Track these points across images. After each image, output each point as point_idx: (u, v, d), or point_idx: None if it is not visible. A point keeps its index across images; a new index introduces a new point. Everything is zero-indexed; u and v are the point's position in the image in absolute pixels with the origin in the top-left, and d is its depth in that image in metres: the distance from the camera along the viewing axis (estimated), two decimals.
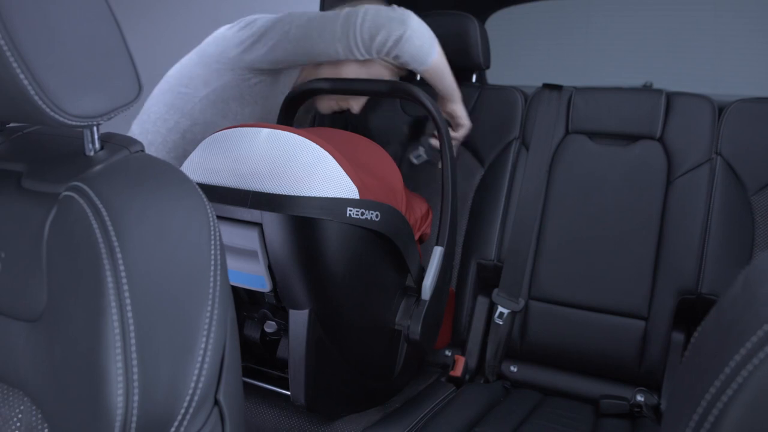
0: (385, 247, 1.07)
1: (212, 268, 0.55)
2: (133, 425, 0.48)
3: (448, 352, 1.49)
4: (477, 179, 1.56)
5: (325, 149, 0.98)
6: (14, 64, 0.50)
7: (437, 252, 1.17)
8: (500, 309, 1.44)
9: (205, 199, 0.59)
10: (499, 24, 2.27)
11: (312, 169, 0.96)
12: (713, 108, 1.40)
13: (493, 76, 2.41)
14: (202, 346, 0.52)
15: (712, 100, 1.41)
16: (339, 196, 0.96)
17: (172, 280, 0.52)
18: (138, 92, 0.61)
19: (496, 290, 1.46)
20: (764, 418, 0.39)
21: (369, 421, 1.14)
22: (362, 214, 0.98)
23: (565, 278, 1.42)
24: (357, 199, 0.98)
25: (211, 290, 0.54)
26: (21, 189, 0.62)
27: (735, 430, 0.39)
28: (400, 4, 1.93)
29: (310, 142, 0.98)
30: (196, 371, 0.52)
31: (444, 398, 1.28)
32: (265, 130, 1.01)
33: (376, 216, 1.01)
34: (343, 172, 0.98)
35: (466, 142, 1.58)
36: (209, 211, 0.58)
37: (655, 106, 1.43)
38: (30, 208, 0.60)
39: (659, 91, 1.45)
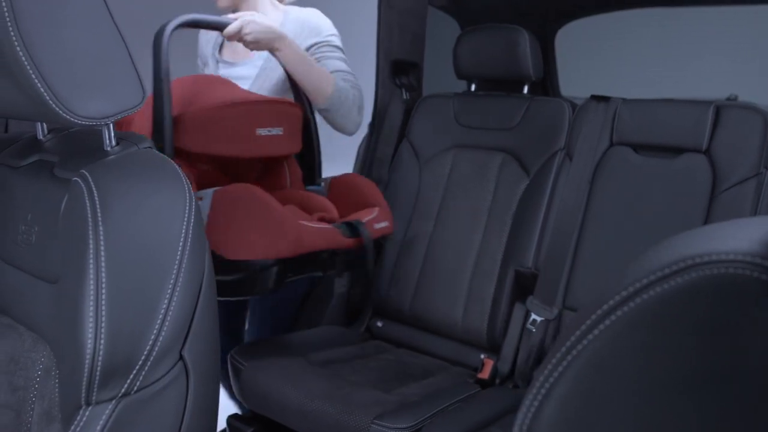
0: None
1: (181, 244, 0.66)
2: (100, 364, 0.60)
3: (481, 355, 1.52)
4: (521, 188, 1.59)
5: None
6: (33, 76, 0.63)
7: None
8: (533, 316, 1.46)
9: (187, 190, 0.70)
10: (573, 35, 2.26)
11: None
12: (765, 120, 1.35)
13: (568, 87, 2.40)
14: (164, 306, 0.63)
15: (764, 113, 1.36)
16: None
17: (142, 250, 0.63)
18: (142, 97, 0.73)
19: (530, 297, 1.48)
20: (581, 399, 0.42)
21: (384, 409, 1.21)
22: None
23: (600, 290, 1.42)
24: None
25: (177, 263, 0.65)
26: (53, 176, 0.76)
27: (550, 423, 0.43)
28: (465, 17, 2.00)
29: None
30: (157, 327, 0.62)
31: (465, 397, 1.33)
32: None
33: None
34: None
35: (513, 152, 1.62)
36: (188, 198, 0.69)
37: (702, 118, 1.39)
38: (56, 191, 0.74)
39: (707, 103, 1.41)
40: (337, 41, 1.54)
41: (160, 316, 0.63)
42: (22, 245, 0.77)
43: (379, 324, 1.71)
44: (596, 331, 0.43)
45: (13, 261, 0.78)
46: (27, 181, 0.79)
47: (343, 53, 1.54)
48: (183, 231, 0.66)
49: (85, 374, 0.60)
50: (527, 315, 1.49)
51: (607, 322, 0.43)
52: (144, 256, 0.63)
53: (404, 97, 1.82)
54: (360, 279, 1.77)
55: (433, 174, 1.72)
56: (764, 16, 2.22)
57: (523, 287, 1.53)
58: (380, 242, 1.77)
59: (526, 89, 1.69)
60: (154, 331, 0.62)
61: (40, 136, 0.84)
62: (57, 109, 0.65)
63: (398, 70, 1.83)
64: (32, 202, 0.77)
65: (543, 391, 0.45)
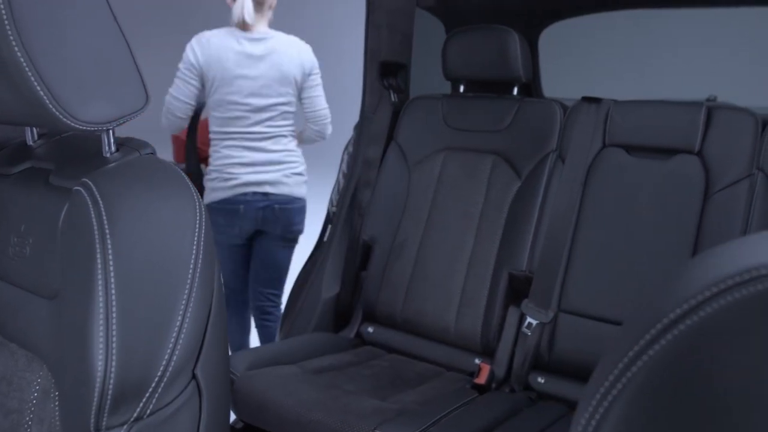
0: None
1: (193, 257, 0.62)
2: (111, 388, 0.56)
3: (476, 360, 1.51)
4: (513, 191, 1.57)
5: None
6: (32, 78, 0.59)
7: None
8: (529, 319, 1.45)
9: (196, 199, 0.66)
10: (556, 37, 2.27)
11: None
12: (756, 122, 1.36)
13: (549, 89, 2.40)
14: (177, 324, 0.59)
15: (755, 114, 1.37)
16: None
17: (154, 265, 0.60)
18: (145, 102, 0.69)
19: (525, 301, 1.47)
20: (641, 420, 0.40)
21: (383, 417, 1.19)
22: None
23: (595, 292, 1.42)
24: None
25: (189, 277, 0.61)
26: (48, 185, 0.71)
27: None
28: (451, 19, 1.99)
29: None
30: (170, 346, 0.59)
31: (463, 403, 1.31)
32: None
33: None
34: None
35: (503, 154, 1.61)
36: (198, 208, 0.65)
37: (694, 120, 1.40)
38: (53, 201, 0.69)
39: (699, 104, 1.42)
40: (184, 59, 1.92)
41: (174, 334, 0.59)
42: (14, 258, 0.72)
43: (370, 329, 1.68)
44: (657, 347, 0.41)
45: (5, 275, 0.73)
46: (19, 190, 0.74)
47: (189, 71, 1.92)
48: (195, 242, 0.63)
49: (95, 398, 0.56)
50: (522, 318, 1.48)
51: (669, 336, 0.41)
52: (155, 270, 0.59)
53: (392, 98, 1.80)
54: (348, 284, 1.74)
55: (423, 176, 1.70)
56: (744, 18, 2.26)
57: (517, 290, 1.51)
58: (369, 245, 1.74)
59: (515, 91, 1.68)
60: (168, 351, 0.58)
61: (30, 142, 0.79)
62: (56, 113, 0.61)
63: (386, 71, 1.80)
64: (25, 212, 0.72)
65: (601, 409, 0.43)
